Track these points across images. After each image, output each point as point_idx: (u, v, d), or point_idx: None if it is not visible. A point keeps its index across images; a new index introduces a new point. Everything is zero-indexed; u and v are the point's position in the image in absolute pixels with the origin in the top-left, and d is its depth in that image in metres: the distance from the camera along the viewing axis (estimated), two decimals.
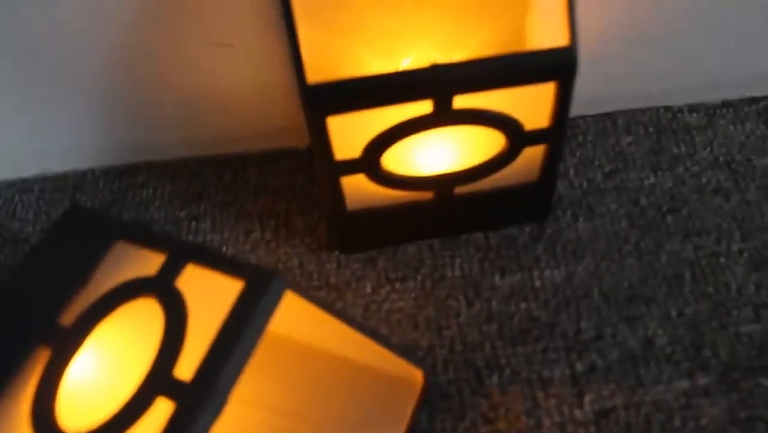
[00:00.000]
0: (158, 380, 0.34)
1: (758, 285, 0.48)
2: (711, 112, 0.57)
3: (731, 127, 0.57)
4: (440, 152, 0.45)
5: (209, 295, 0.37)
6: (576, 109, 0.55)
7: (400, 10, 0.48)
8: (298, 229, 0.53)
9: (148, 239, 0.40)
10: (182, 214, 0.54)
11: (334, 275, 0.50)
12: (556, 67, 0.39)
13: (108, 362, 0.37)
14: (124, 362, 0.36)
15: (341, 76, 0.41)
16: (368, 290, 0.50)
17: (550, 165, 0.46)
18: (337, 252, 0.51)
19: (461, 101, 0.40)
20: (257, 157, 0.57)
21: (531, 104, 0.42)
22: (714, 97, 0.58)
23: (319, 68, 0.46)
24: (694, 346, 0.45)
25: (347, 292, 0.50)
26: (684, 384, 0.44)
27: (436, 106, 0.40)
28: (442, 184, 0.46)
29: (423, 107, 0.40)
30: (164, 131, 0.56)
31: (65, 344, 0.36)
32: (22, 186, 0.58)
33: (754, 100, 0.58)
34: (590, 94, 0.55)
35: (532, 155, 0.45)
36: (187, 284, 0.37)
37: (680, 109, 0.57)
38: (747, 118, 0.57)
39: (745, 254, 0.49)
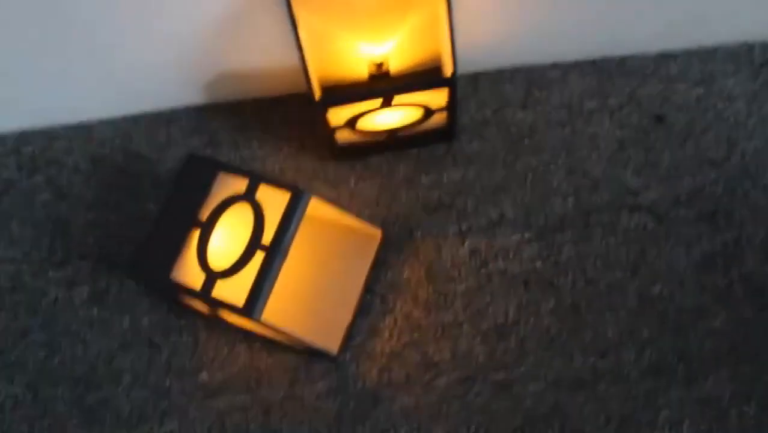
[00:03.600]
0: (255, 243, 0.79)
1: (569, 182, 0.92)
2: (565, 69, 0.98)
3: (578, 80, 0.97)
4: (389, 118, 0.87)
5: (274, 200, 0.81)
6: (478, 65, 0.97)
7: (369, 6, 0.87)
8: (310, 147, 0.96)
9: (236, 171, 0.84)
10: (239, 138, 0.97)
11: (332, 174, 0.95)
12: (446, 83, 0.81)
13: (228, 235, 0.82)
14: (236, 236, 0.81)
15: (335, 61, 0.82)
16: (352, 183, 0.94)
17: (451, 120, 0.89)
18: (334, 161, 0.95)
19: (397, 99, 0.82)
20: (285, 98, 0.98)
21: (436, 95, 0.84)
22: (570, 57, 0.98)
23: (318, 51, 0.87)
24: (527, 217, 0.91)
25: (340, 185, 0.94)
26: (517, 236, 0.90)
27: (384, 101, 0.82)
28: (390, 132, 0.89)
29: (378, 102, 0.82)
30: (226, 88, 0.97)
31: (206, 227, 0.81)
32: (135, 120, 1.00)
33: (594, 62, 0.98)
34: (486, 54, 0.96)
35: (440, 117, 0.88)
36: (262, 194, 0.82)
37: (545, 67, 0.98)
38: (587, 73, 0.98)
39: (567, 165, 0.93)
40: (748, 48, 0.98)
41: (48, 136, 0.99)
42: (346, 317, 0.87)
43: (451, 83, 0.81)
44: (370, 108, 0.83)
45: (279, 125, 0.98)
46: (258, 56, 0.94)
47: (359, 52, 0.90)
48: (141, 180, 0.96)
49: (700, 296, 0.87)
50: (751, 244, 0.89)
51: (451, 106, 0.86)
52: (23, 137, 1.00)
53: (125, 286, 0.90)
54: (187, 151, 0.96)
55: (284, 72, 0.95)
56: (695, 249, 0.89)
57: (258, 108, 0.99)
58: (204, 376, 0.86)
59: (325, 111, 0.82)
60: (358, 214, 0.90)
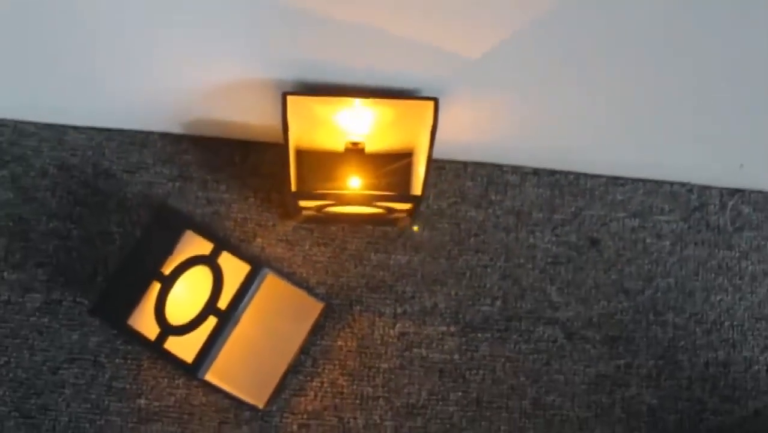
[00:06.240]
0: (210, 307, 0.93)
1: (500, 286, 1.09)
2: (525, 175, 1.12)
3: (533, 189, 1.12)
4: (354, 209, 1.00)
5: (233, 268, 0.94)
6: (446, 155, 1.10)
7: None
8: (275, 202, 1.08)
9: (204, 232, 0.96)
10: (209, 177, 1.08)
11: (291, 234, 1.07)
12: (411, 201, 0.94)
13: (186, 293, 0.94)
14: (194, 294, 0.94)
15: (316, 130, 0.95)
16: (307, 247, 1.07)
17: (409, 218, 1.03)
18: (294, 222, 1.08)
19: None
20: (261, 146, 1.09)
21: (402, 205, 0.97)
22: (531, 164, 1.12)
23: (301, 120, 0.98)
24: (456, 312, 1.07)
25: (296, 246, 1.07)
26: (443, 328, 1.07)
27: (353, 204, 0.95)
28: (357, 217, 1.02)
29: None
30: (205, 124, 1.06)
31: (167, 282, 0.94)
32: (108, 135, 1.09)
33: (554, 173, 1.13)
34: (456, 148, 1.09)
35: (401, 214, 1.02)
36: (224, 260, 0.94)
37: (507, 170, 1.12)
38: (542, 184, 1.12)
39: (502, 269, 1.09)
40: (688, 189, 1.14)
41: (18, 130, 1.07)
42: (278, 373, 1.03)
43: (418, 201, 0.95)
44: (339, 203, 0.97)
45: (250, 173, 1.08)
46: (242, 109, 1.03)
47: (339, 128, 1.02)
48: (107, 199, 1.06)
49: (585, 411, 1.06)
50: (638, 372, 1.08)
51: (412, 212, 1.00)
52: None
53: (78, 302, 1.03)
54: (156, 179, 1.06)
55: (264, 125, 1.05)
56: (592, 368, 1.08)
57: (233, 149, 1.09)
58: (141, 402, 1.00)
59: (298, 201, 0.95)
60: (307, 278, 1.04)
